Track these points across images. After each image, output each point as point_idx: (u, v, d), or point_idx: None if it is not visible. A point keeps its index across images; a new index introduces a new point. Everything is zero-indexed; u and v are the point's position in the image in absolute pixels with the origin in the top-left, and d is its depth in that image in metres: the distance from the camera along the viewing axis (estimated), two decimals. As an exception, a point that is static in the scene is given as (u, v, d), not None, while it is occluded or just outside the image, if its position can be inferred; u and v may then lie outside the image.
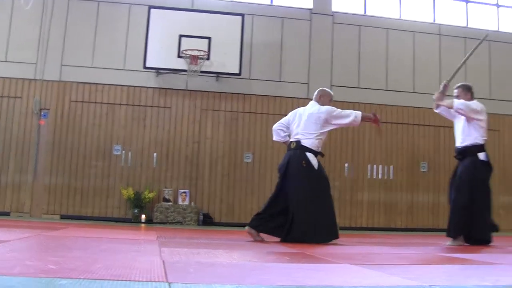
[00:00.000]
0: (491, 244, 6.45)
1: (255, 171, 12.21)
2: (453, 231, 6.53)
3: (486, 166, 6.68)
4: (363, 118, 6.49)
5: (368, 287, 2.70)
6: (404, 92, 12.94)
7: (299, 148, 6.36)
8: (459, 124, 6.83)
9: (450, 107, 6.68)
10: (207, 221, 11.71)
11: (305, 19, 12.83)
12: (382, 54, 13.09)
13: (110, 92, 11.93)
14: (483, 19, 13.84)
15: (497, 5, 13.97)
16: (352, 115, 6.42)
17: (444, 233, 6.74)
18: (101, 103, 11.89)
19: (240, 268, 3.38)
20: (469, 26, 13.67)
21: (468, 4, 13.82)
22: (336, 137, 12.33)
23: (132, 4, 12.16)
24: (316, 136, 6.38)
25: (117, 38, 12.08)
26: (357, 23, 13.08)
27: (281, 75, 12.55)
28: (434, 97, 7.02)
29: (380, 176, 12.65)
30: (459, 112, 6.60)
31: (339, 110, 6.49)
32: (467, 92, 6.85)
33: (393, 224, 12.48)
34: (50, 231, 6.31)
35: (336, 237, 6.28)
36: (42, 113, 11.76)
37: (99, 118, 11.87)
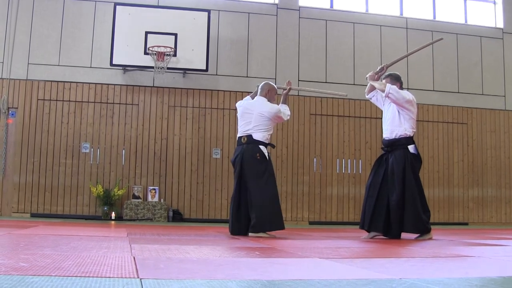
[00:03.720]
0: (429, 234, 6.63)
1: (224, 166, 12.62)
2: (373, 225, 6.64)
3: (417, 159, 6.73)
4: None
5: (338, 280, 2.67)
6: (371, 86, 13.28)
7: (251, 142, 6.79)
8: (389, 114, 6.82)
9: (382, 89, 6.66)
10: (176, 217, 12.13)
11: (271, 14, 13.28)
12: (349, 49, 13.55)
13: (78, 90, 12.31)
14: (450, 13, 14.31)
15: (465, -2, 14.45)
16: (287, 111, 7.07)
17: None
18: (69, 101, 12.25)
19: (210, 263, 3.41)
20: (436, 19, 14.19)
21: (436, -3, 14.27)
22: (304, 131, 12.77)
23: (97, 1, 12.55)
24: (267, 130, 6.86)
25: (83, 36, 12.46)
26: (323, 18, 13.52)
27: (248, 71, 12.98)
28: (367, 75, 7.02)
29: (349, 171, 13.07)
30: (389, 97, 6.58)
31: (281, 108, 7.02)
32: (396, 82, 6.78)
33: (362, 218, 12.88)
34: (20, 230, 6.45)
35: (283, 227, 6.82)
36: (10, 112, 12.07)
37: (67, 116, 12.23)
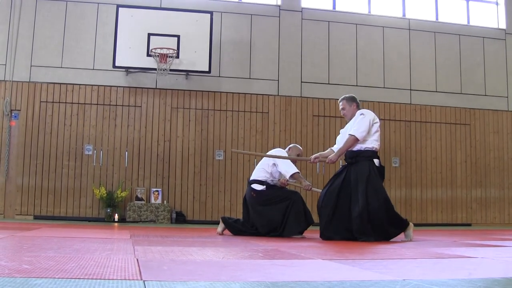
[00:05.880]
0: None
1: (226, 168, 12.72)
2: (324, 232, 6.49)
3: (381, 172, 6.52)
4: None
5: (341, 282, 2.69)
6: (374, 87, 13.49)
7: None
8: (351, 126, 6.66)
9: (355, 142, 6.48)
10: (180, 219, 12.22)
11: (274, 16, 13.36)
12: (351, 50, 13.63)
13: (80, 92, 12.38)
14: (452, 14, 14.39)
15: (467, -1, 14.53)
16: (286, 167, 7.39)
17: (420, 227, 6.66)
18: (72, 103, 12.33)
19: (213, 265, 3.43)
20: (438, 20, 14.26)
21: (438, -2, 14.34)
22: (307, 133, 12.82)
23: (100, 3, 12.61)
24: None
25: (86, 38, 12.54)
26: (326, 19, 13.60)
27: (251, 72, 13.05)
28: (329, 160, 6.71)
29: (352, 172, 13.05)
30: (362, 137, 6.45)
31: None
32: (352, 102, 6.72)
33: (365, 219, 12.92)
34: (23, 232, 6.50)
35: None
36: (12, 114, 12.16)
37: (69, 118, 12.31)
